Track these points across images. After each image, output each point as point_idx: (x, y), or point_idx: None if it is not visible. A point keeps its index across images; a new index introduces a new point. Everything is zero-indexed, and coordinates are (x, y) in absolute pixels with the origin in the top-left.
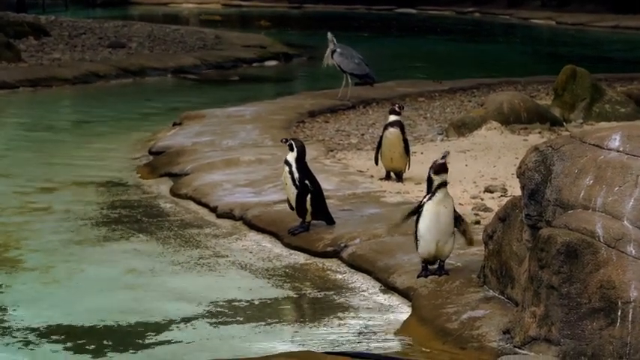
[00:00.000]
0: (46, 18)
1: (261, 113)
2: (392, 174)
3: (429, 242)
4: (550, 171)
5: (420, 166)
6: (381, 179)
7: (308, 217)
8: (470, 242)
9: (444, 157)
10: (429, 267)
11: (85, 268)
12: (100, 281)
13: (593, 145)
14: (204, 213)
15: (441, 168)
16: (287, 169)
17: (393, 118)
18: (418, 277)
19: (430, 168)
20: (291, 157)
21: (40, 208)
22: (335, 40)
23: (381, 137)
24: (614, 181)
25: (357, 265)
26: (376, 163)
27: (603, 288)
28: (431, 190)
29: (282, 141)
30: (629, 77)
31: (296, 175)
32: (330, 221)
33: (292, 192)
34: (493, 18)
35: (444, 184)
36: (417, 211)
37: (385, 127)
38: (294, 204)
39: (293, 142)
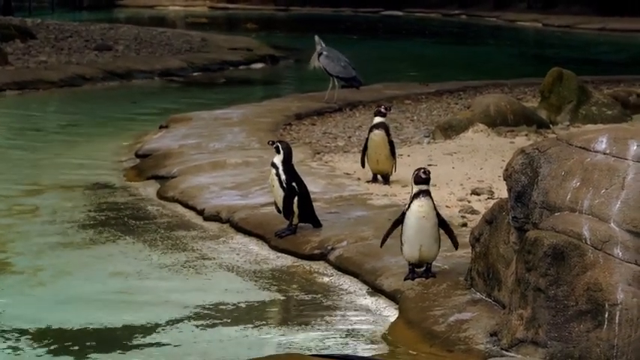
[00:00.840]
0: (33, 21)
1: (247, 116)
2: (379, 176)
3: (412, 247)
4: (537, 173)
5: (406, 168)
6: (367, 182)
7: (295, 220)
8: (456, 245)
9: (425, 171)
10: (416, 269)
11: (72, 270)
12: (86, 284)
13: (580, 147)
14: (191, 216)
15: (418, 179)
16: (274, 171)
17: (378, 119)
18: (405, 279)
19: (412, 176)
20: (278, 159)
21: (27, 210)
22: (322, 43)
23: (367, 139)
24: (600, 183)
25: (344, 267)
26: (362, 165)
27: (590, 290)
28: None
29: (268, 143)
30: (615, 79)
31: (283, 177)
32: (316, 224)
33: (279, 194)
34: (479, 20)
35: (422, 193)
36: (401, 219)
37: (370, 129)
38: (281, 206)
39: (279, 145)
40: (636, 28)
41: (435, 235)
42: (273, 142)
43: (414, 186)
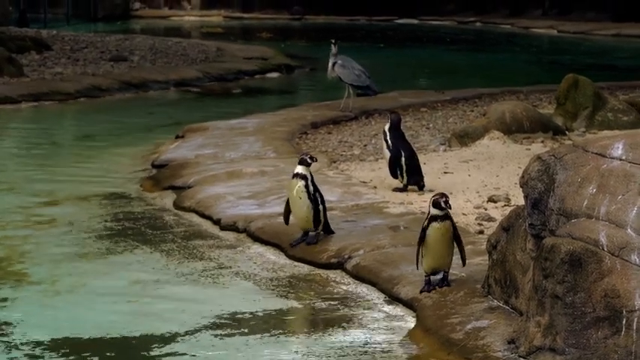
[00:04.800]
0: (48, 32)
1: (263, 125)
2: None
3: (431, 259)
4: (553, 180)
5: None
6: (394, 189)
7: (319, 228)
8: (464, 263)
9: (445, 197)
10: (432, 277)
11: (89, 280)
12: (104, 294)
13: (596, 153)
14: (208, 225)
15: (435, 204)
16: (302, 183)
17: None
18: (421, 292)
19: (430, 200)
20: (306, 170)
21: (44, 221)
22: (336, 52)
23: None
24: (617, 189)
25: (361, 276)
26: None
27: (607, 297)
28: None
29: (311, 160)
30: (631, 85)
31: (311, 188)
32: (329, 231)
33: (307, 205)
34: (494, 27)
35: (437, 218)
36: (423, 236)
37: None
38: (309, 218)
39: (313, 157)
40: None
41: (451, 248)
42: (312, 158)
43: (432, 208)
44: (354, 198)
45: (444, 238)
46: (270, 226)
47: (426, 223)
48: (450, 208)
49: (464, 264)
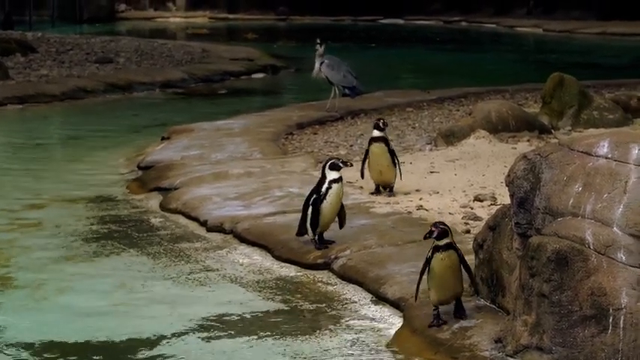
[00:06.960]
0: (33, 34)
1: (249, 126)
2: (381, 187)
3: (439, 292)
4: (539, 179)
5: (409, 176)
6: (371, 193)
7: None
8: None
9: (437, 227)
10: (441, 307)
11: (75, 284)
12: (90, 297)
13: (582, 152)
14: (194, 227)
15: (440, 236)
16: (340, 185)
17: (376, 133)
18: (430, 326)
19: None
20: (339, 175)
21: (30, 224)
22: (323, 52)
23: (367, 151)
24: (603, 187)
25: (347, 276)
26: (362, 176)
27: (594, 295)
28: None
29: (343, 164)
30: (616, 84)
31: None
32: None
33: (338, 208)
34: (480, 27)
35: (439, 248)
36: (426, 266)
37: (370, 142)
38: (334, 220)
39: (343, 162)
40: (636, 32)
41: (459, 278)
42: (346, 163)
43: (435, 240)
44: None
45: (450, 270)
46: (257, 227)
47: (429, 254)
48: (447, 236)
49: (477, 293)
